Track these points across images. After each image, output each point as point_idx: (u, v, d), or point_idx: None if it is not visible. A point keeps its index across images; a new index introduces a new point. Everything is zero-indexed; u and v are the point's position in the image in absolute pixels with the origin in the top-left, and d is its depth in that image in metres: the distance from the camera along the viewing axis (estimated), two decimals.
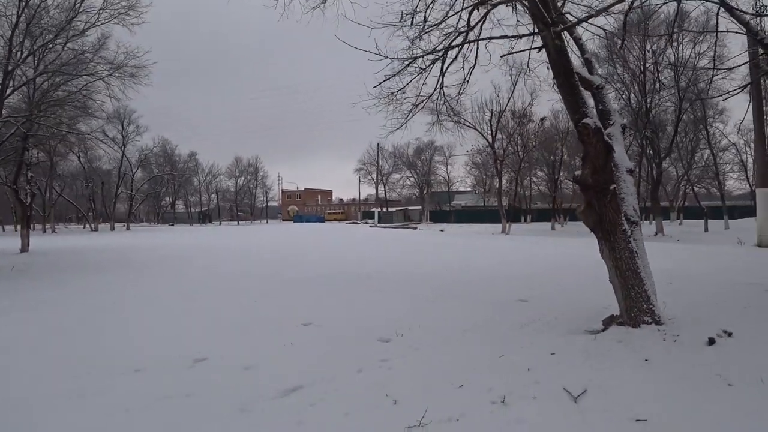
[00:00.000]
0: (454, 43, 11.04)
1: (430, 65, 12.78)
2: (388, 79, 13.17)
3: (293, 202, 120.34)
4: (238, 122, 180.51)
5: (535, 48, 9.59)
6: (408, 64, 12.60)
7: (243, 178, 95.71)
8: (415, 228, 53.89)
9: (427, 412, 4.43)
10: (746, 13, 10.22)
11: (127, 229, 61.57)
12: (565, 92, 7.30)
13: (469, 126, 39.47)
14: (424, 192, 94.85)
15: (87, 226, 65.88)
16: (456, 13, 12.35)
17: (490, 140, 40.97)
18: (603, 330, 6.94)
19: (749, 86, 17.91)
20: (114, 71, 18.17)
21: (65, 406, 4.86)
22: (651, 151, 34.60)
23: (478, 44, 12.72)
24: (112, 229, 60.37)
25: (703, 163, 44.19)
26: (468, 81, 13.75)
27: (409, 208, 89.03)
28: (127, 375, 5.70)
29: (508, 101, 39.85)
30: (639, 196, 53.48)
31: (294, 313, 8.97)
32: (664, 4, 10.22)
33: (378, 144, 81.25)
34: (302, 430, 4.28)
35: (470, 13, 12.14)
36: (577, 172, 7.21)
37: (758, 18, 11.48)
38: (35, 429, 4.42)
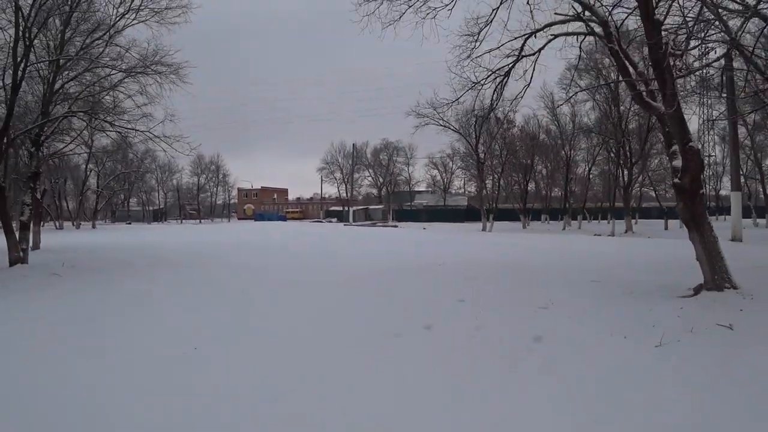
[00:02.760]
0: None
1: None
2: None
3: (249, 200, 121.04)
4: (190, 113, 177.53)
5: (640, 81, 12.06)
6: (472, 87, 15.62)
7: (204, 176, 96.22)
8: (396, 226, 56.21)
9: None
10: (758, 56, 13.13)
11: (93, 227, 60.97)
12: (675, 123, 9.90)
13: (454, 130, 42.57)
14: (383, 191, 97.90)
15: (54, 224, 65.33)
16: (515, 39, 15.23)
17: (474, 144, 44.10)
18: (693, 295, 9.59)
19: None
20: (147, 68, 18.11)
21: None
22: (623, 157, 38.28)
23: (534, 66, 15.48)
24: (78, 227, 59.80)
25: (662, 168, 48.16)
26: (522, 97, 16.50)
27: (370, 207, 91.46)
28: (390, 338, 7.86)
29: (492, 109, 42.54)
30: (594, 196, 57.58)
31: (447, 291, 11.29)
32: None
33: (354, 144, 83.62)
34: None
35: (526, 39, 14.97)
36: (677, 180, 9.89)
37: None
38: None
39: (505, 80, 15.11)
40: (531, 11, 14.73)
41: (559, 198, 67.70)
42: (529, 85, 16.07)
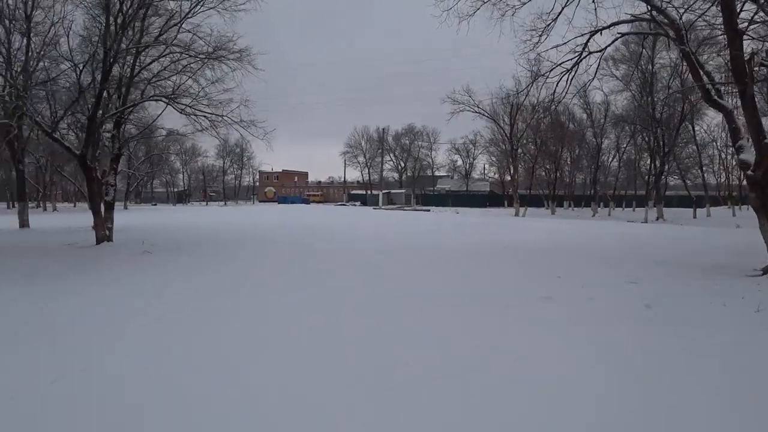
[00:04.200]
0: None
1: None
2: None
3: (270, 183, 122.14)
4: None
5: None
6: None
7: (229, 158, 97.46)
8: (428, 210, 57.10)
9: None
10: None
11: (125, 207, 62.08)
12: (751, 123, 10.80)
13: (489, 117, 43.58)
14: (403, 176, 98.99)
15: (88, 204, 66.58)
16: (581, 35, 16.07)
17: (508, 131, 45.13)
18: (764, 275, 10.54)
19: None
20: (222, 56, 18.60)
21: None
22: (656, 146, 39.01)
23: (600, 61, 16.37)
24: (125, 207, 61.10)
25: (689, 158, 48.78)
26: (589, 89, 17.37)
27: (392, 191, 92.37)
28: (537, 302, 8.93)
29: (526, 95, 43.36)
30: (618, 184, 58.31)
31: (538, 269, 12.32)
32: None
33: (383, 129, 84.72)
34: None
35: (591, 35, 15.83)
36: (750, 172, 10.81)
37: None
38: None
39: (572, 75, 15.97)
40: (596, 9, 15.55)
41: (581, 185, 68.53)
42: (593, 79, 17.00)
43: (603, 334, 6.41)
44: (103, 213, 17.95)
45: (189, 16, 18.19)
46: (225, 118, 17.82)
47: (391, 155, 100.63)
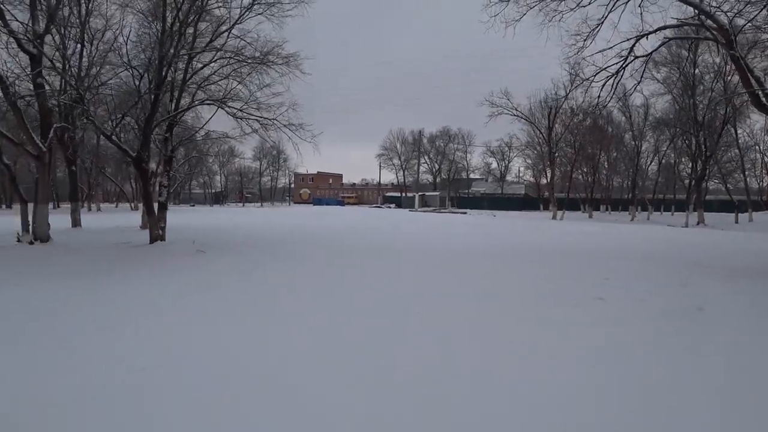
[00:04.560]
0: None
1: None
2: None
3: (305, 184, 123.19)
4: None
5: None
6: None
7: (266, 160, 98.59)
8: (465, 212, 57.20)
9: None
10: None
11: (165, 209, 63.16)
12: None
13: (527, 120, 43.66)
14: (437, 178, 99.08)
15: (130, 205, 68.17)
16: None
17: (545, 134, 45.12)
18: None
19: None
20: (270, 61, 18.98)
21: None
22: (697, 149, 38.63)
23: (646, 65, 16.48)
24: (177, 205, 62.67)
25: (731, 161, 48.16)
26: (633, 92, 17.50)
27: (427, 193, 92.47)
28: (592, 301, 9.20)
29: (565, 98, 43.39)
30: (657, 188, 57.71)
31: (587, 271, 12.55)
32: None
33: (419, 131, 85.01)
34: None
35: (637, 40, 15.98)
36: None
37: None
38: None
39: (617, 79, 16.12)
40: (641, 14, 15.68)
41: (618, 188, 67.98)
42: (639, 83, 17.10)
43: (661, 332, 6.65)
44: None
45: (238, 22, 18.80)
46: (275, 121, 18.26)
47: (426, 158, 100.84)
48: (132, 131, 20.71)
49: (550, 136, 45.32)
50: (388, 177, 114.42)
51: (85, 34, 21.35)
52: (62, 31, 21.64)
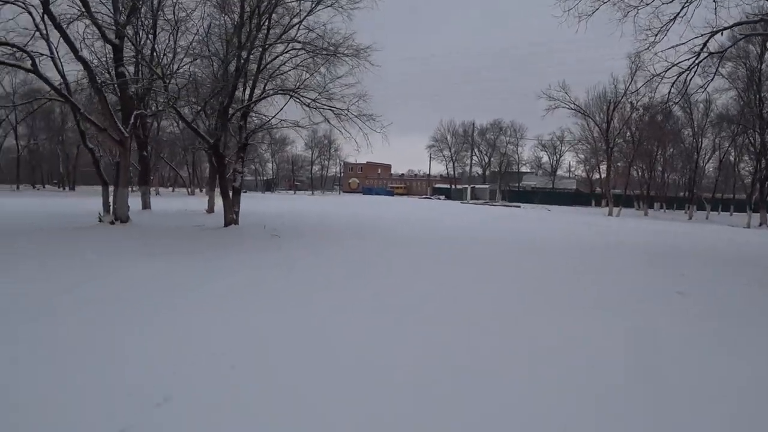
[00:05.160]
0: None
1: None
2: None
3: (354, 174, 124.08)
4: None
5: None
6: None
7: (317, 149, 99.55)
8: (518, 206, 57.04)
9: None
10: None
11: (239, 194, 64.31)
12: None
13: (585, 114, 43.31)
14: (487, 171, 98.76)
15: (186, 189, 70.02)
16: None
17: (603, 128, 44.72)
18: None
19: None
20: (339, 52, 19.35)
21: None
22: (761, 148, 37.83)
23: (720, 61, 16.39)
24: (206, 193, 63.79)
25: None
26: (704, 89, 17.50)
27: (476, 186, 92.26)
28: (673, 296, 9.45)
29: (634, 93, 42.78)
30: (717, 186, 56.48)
31: (661, 267, 12.74)
32: None
33: (472, 123, 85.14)
34: None
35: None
36: None
37: None
38: None
39: (691, 75, 16.12)
40: (716, 9, 15.64)
41: (673, 186, 66.76)
42: (711, 80, 17.04)
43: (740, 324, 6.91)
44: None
45: (310, 13, 19.27)
46: (348, 112, 18.72)
47: (476, 150, 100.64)
48: (205, 119, 21.33)
49: (608, 131, 44.84)
50: (436, 168, 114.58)
51: (169, 26, 22.08)
52: (141, 23, 22.53)
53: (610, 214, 43.48)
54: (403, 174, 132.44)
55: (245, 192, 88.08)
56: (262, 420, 3.87)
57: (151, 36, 23.23)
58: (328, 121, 19.08)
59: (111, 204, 19.77)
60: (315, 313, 6.78)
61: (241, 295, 7.76)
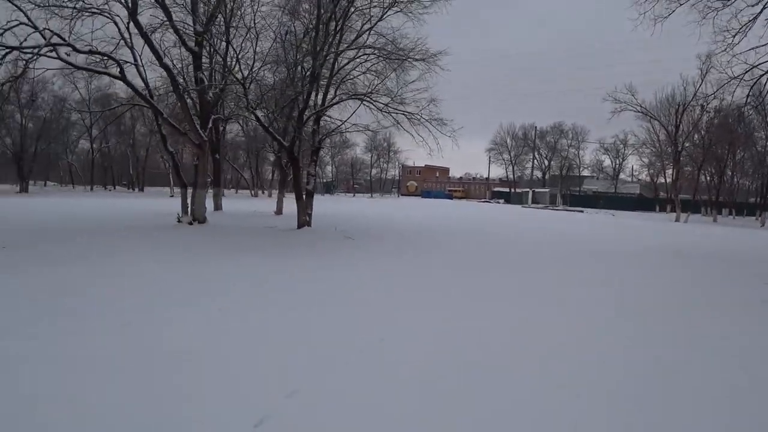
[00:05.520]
0: None
1: None
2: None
3: (412, 177, 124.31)
4: None
5: None
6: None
7: (377, 152, 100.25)
8: (581, 211, 56.14)
9: None
10: None
11: (282, 196, 65.56)
12: None
13: (652, 117, 42.53)
14: (546, 174, 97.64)
15: (250, 192, 71.45)
16: None
17: (672, 132, 43.81)
18: None
19: None
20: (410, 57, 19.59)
21: None
22: None
23: None
24: (270, 195, 65.30)
25: None
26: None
27: (536, 190, 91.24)
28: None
29: (694, 95, 41.90)
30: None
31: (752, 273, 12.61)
32: None
33: (535, 127, 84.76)
34: None
35: None
36: None
37: None
38: None
39: None
40: None
41: (742, 192, 64.62)
42: None
43: None
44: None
45: (381, 19, 19.60)
46: (420, 116, 18.92)
47: (536, 153, 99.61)
48: (278, 123, 21.91)
49: (676, 135, 43.79)
50: (498, 172, 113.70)
51: (245, 32, 22.72)
52: (219, 30, 23.17)
53: (677, 219, 42.37)
54: (461, 177, 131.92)
55: None
56: (388, 411, 4.13)
57: (227, 42, 23.88)
58: (401, 125, 19.32)
59: (189, 205, 20.52)
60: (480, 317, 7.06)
61: (353, 292, 8.15)
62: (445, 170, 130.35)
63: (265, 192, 72.24)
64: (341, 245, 15.01)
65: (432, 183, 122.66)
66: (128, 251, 11.95)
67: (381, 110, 19.12)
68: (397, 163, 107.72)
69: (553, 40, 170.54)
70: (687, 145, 47.55)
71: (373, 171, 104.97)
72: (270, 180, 75.73)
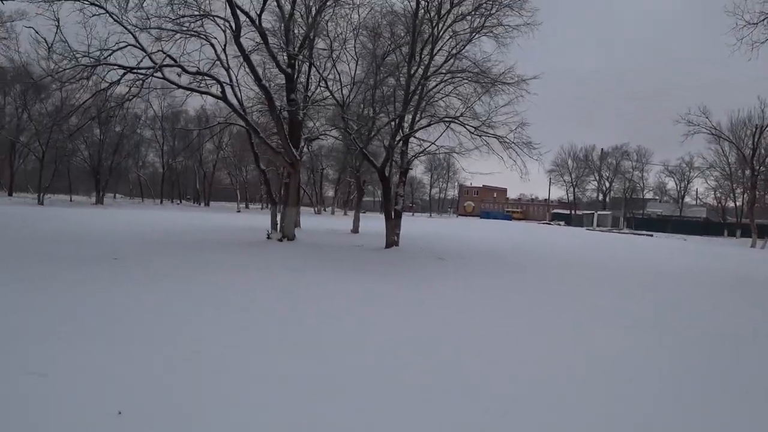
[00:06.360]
0: None
1: None
2: None
3: (470, 197, 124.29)
4: None
5: None
6: None
7: (436, 172, 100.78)
8: (651, 235, 55.06)
9: None
10: None
11: (344, 214, 66.54)
12: None
13: (727, 140, 41.80)
14: (607, 197, 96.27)
15: (313, 209, 72.49)
16: None
17: (748, 154, 42.93)
18: None
19: None
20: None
21: None
22: None
23: None
24: (333, 213, 66.46)
25: None
26: None
27: (598, 212, 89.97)
28: None
29: None
30: None
31: None
32: None
33: (601, 149, 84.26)
34: None
35: None
36: None
37: None
38: None
39: None
40: None
41: None
42: None
43: None
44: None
45: (468, 43, 19.96)
46: (512, 140, 19.10)
47: (596, 175, 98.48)
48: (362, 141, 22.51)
49: (753, 158, 42.62)
50: (559, 194, 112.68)
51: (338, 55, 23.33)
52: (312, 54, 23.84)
53: (753, 245, 41.10)
54: (519, 197, 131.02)
55: (364, 213, 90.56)
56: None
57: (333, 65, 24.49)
58: (491, 148, 19.58)
59: (279, 222, 21.15)
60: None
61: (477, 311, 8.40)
62: (503, 191, 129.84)
63: (327, 209, 73.25)
64: (440, 266, 15.32)
65: (489, 203, 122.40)
66: (241, 267, 12.44)
67: (472, 133, 19.40)
68: (456, 183, 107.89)
69: (620, 60, 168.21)
70: (762, 169, 46.43)
71: (434, 191, 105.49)
72: (334, 198, 76.72)
